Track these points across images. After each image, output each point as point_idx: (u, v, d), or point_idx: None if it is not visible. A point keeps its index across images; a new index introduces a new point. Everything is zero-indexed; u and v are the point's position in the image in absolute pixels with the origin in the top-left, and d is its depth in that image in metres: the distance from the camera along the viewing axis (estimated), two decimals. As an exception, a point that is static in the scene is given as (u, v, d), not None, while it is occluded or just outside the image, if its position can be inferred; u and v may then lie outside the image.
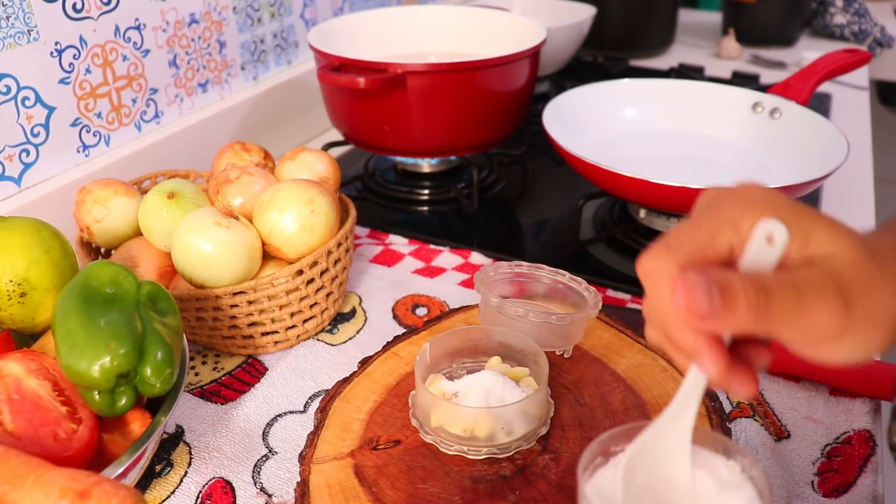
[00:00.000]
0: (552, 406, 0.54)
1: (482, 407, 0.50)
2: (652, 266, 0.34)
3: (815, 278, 0.32)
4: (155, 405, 0.49)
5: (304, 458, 0.51)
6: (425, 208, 0.89)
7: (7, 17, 0.67)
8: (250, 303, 0.60)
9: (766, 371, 0.37)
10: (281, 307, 0.61)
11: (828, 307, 0.32)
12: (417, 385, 0.52)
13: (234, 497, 0.51)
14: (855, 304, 0.32)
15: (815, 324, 0.32)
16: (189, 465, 0.53)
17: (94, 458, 0.47)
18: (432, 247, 0.80)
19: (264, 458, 0.54)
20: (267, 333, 0.63)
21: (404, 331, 0.66)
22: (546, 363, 0.53)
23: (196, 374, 0.62)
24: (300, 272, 0.61)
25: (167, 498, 0.51)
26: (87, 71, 0.76)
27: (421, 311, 0.69)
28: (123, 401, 0.46)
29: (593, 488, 0.39)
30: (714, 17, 1.68)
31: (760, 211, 0.33)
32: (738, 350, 0.35)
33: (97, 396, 0.45)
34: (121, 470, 0.43)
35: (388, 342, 0.63)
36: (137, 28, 0.81)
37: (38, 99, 0.72)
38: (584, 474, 0.40)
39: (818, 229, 0.33)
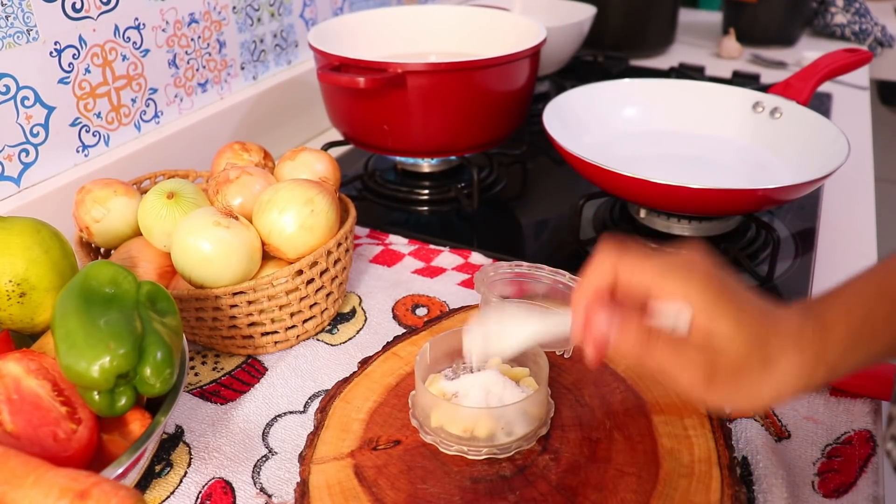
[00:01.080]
0: (552, 406, 0.54)
1: (482, 407, 0.50)
2: (601, 253, 0.43)
3: (695, 354, 0.41)
4: (155, 405, 0.49)
5: (304, 459, 0.51)
6: (425, 208, 0.89)
7: (6, 17, 0.67)
8: (250, 303, 0.60)
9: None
10: (281, 307, 0.61)
11: (691, 376, 0.41)
12: (417, 385, 0.52)
13: (234, 497, 0.51)
14: (718, 378, 0.41)
15: (681, 380, 0.41)
16: (189, 465, 0.53)
17: (94, 459, 0.47)
18: (432, 247, 0.80)
19: (264, 459, 0.54)
20: (267, 333, 0.63)
21: (404, 331, 0.66)
22: (546, 363, 0.53)
23: (196, 375, 0.62)
24: (300, 272, 0.61)
25: (167, 498, 0.51)
26: (87, 71, 0.76)
27: (421, 312, 0.69)
28: (123, 401, 0.46)
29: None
30: (714, 17, 1.68)
31: (685, 290, 0.41)
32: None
33: (97, 396, 0.45)
34: (120, 470, 0.43)
35: (387, 342, 0.63)
36: (137, 28, 0.81)
37: (38, 99, 0.72)
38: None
39: (722, 318, 0.40)
